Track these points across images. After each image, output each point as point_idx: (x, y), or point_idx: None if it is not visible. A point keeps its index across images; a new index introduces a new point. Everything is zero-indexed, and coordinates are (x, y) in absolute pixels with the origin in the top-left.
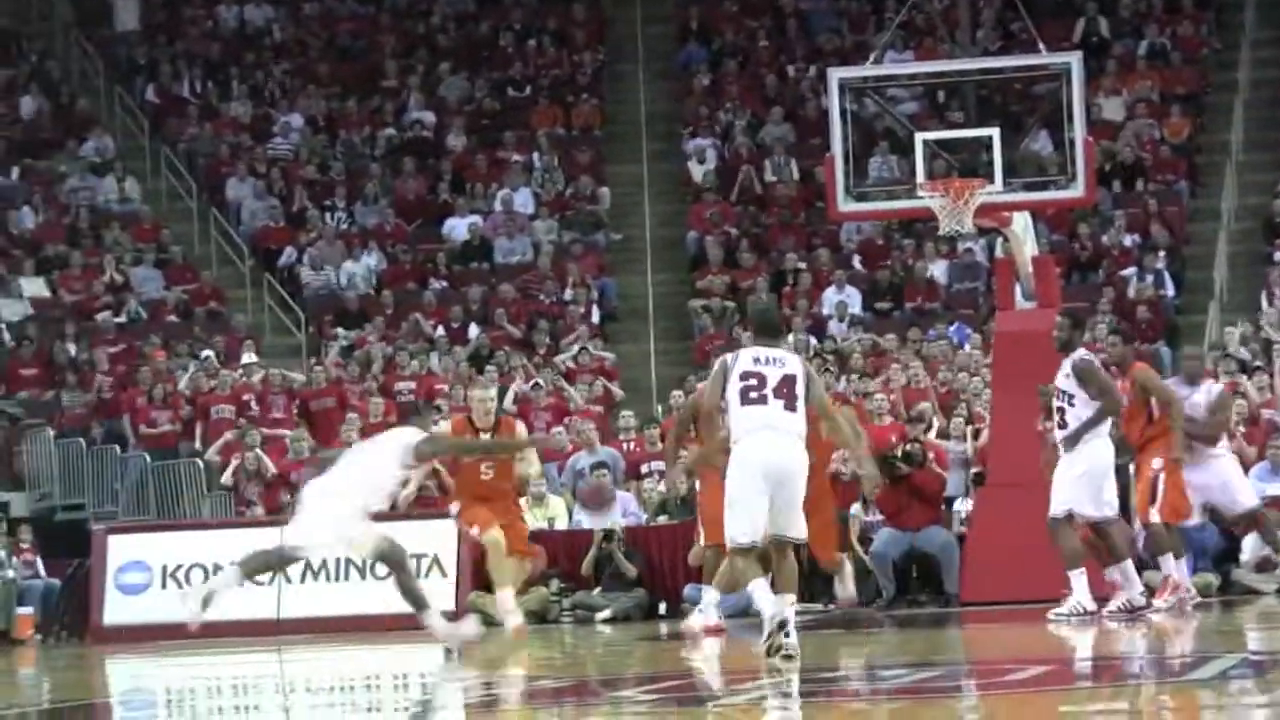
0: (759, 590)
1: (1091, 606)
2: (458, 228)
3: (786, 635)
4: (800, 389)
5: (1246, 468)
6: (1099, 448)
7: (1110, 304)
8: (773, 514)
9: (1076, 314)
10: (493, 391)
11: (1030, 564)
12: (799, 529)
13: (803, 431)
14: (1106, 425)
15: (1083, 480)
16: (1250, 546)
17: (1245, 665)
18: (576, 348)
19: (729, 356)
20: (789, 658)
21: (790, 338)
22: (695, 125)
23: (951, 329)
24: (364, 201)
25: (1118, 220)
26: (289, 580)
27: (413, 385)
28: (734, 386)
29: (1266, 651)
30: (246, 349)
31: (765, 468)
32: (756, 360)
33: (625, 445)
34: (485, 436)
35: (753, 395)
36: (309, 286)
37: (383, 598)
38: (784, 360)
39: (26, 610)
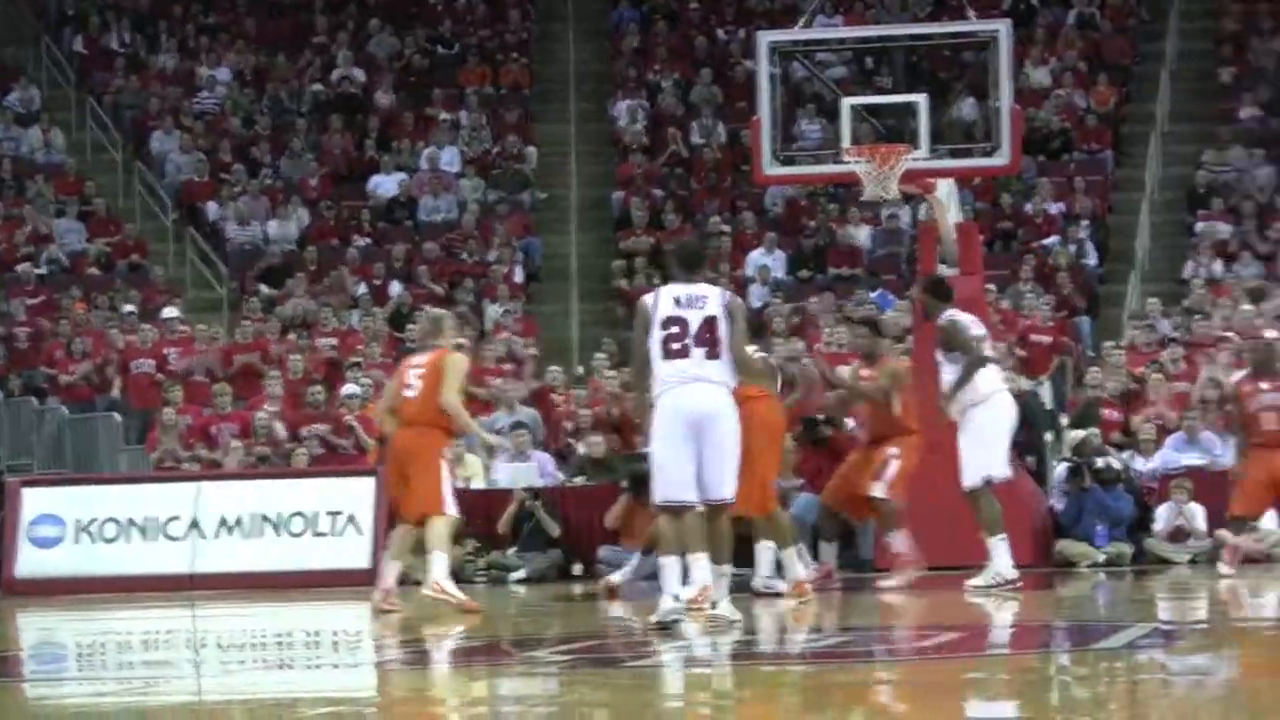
0: (669, 567)
1: (1012, 575)
2: (383, 185)
3: (714, 606)
4: (723, 331)
5: (1163, 437)
6: (993, 407)
7: (1032, 271)
8: (699, 471)
9: (936, 281)
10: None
11: (944, 530)
12: (727, 488)
13: (728, 378)
14: (987, 382)
15: (988, 442)
16: (1163, 516)
17: (1155, 635)
18: (502, 309)
19: (648, 298)
20: (733, 623)
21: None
22: (624, 86)
23: (875, 294)
24: (290, 157)
25: (1041, 189)
26: (203, 535)
27: (334, 342)
28: (655, 336)
29: (1176, 621)
30: (170, 304)
31: (689, 417)
32: (677, 301)
33: (555, 403)
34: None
35: (674, 347)
36: (232, 242)
37: (298, 554)
38: (705, 298)
39: None
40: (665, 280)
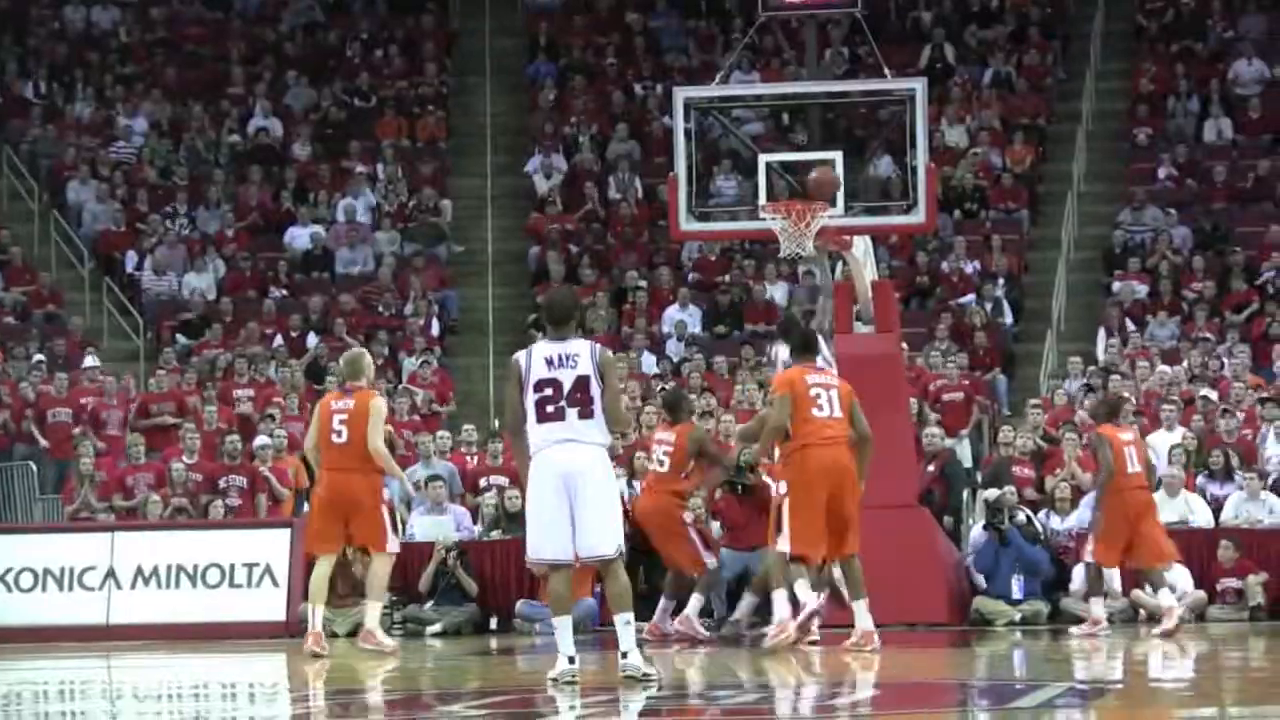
0: (562, 628)
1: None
2: (299, 237)
3: (625, 656)
4: (594, 390)
5: (1078, 496)
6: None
7: (947, 330)
8: (576, 529)
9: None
10: None
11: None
12: (607, 545)
13: (603, 437)
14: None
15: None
16: (1079, 575)
17: (1071, 694)
18: (419, 360)
19: (521, 357)
20: (646, 677)
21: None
22: (540, 140)
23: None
24: (206, 207)
25: (957, 247)
26: (119, 585)
27: (251, 394)
28: (530, 398)
29: (1091, 680)
30: (89, 353)
31: (562, 476)
32: (549, 362)
33: (468, 459)
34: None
35: (549, 410)
36: (149, 292)
37: (214, 605)
38: (576, 357)
39: None
40: (542, 332)
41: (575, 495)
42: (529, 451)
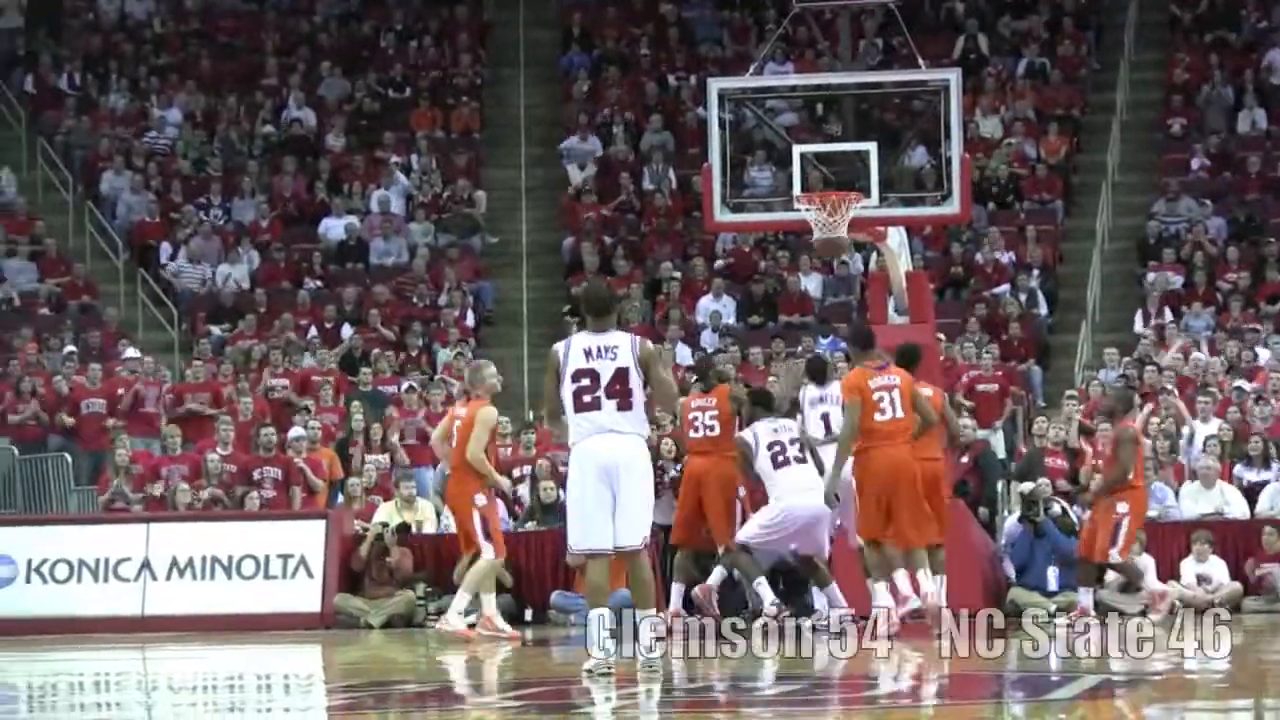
0: (597, 621)
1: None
2: (333, 228)
3: (646, 650)
4: (635, 382)
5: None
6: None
7: (981, 321)
8: (615, 518)
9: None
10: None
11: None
12: (637, 537)
13: (643, 429)
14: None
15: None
16: None
17: (1107, 685)
18: (454, 351)
19: (560, 348)
20: (652, 672)
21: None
22: (574, 131)
23: (826, 342)
24: (240, 197)
25: (992, 238)
26: (154, 576)
27: (286, 383)
28: (567, 389)
29: (1129, 672)
30: (126, 345)
31: (604, 467)
32: (588, 353)
33: (502, 449)
34: None
35: (586, 400)
36: (183, 283)
37: (249, 596)
38: (616, 349)
39: None
40: (581, 323)
41: (616, 485)
42: (568, 441)
